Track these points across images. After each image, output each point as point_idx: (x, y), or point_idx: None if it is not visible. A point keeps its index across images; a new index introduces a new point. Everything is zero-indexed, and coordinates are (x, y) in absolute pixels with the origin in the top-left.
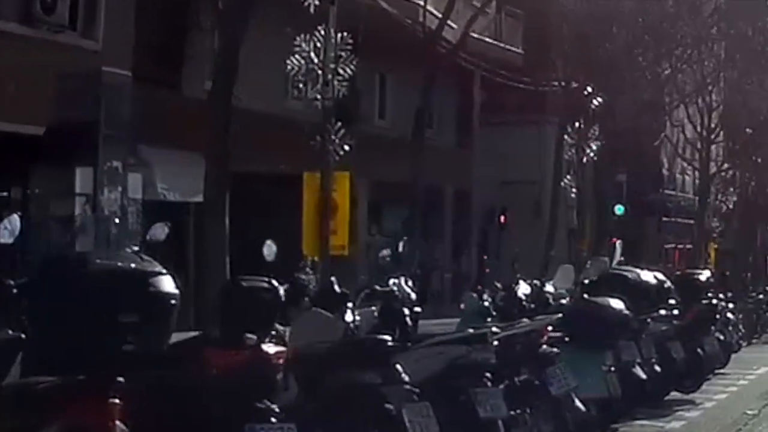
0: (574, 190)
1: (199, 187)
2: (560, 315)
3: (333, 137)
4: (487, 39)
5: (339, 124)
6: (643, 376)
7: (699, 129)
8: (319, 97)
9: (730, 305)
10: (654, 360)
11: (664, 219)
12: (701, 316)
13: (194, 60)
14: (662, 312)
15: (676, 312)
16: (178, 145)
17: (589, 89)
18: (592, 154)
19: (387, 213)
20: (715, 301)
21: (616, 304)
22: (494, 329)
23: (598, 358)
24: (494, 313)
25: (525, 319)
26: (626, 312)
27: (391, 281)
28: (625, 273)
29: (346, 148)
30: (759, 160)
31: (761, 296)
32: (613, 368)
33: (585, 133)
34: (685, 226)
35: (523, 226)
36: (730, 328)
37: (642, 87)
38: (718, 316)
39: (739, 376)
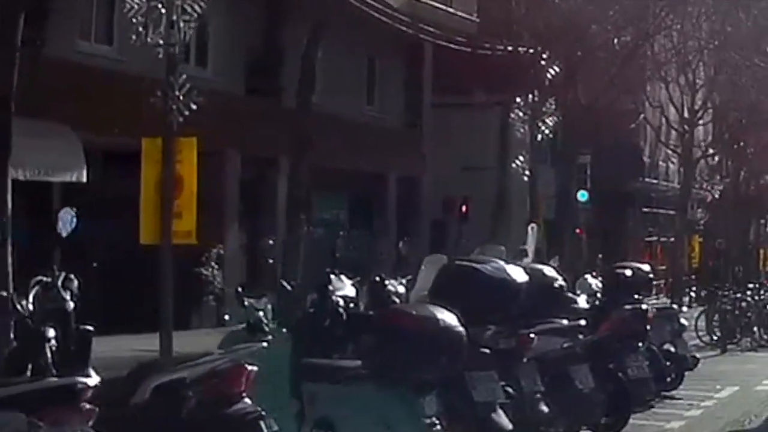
0: (527, 173)
1: None
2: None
3: (177, 93)
4: (437, 5)
5: (184, 77)
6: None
7: (680, 110)
8: (161, 42)
9: (686, 309)
10: (540, 395)
11: (645, 210)
12: (623, 327)
13: None
14: (561, 323)
15: (583, 322)
16: None
17: (545, 57)
18: (547, 131)
19: (319, 201)
20: (645, 306)
21: (443, 315)
22: None
23: (411, 405)
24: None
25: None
26: (456, 328)
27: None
28: (479, 266)
29: (193, 107)
30: (750, 150)
31: (739, 295)
32: (438, 420)
33: (539, 108)
34: (670, 218)
35: (488, 217)
36: (686, 337)
37: (608, 56)
38: (649, 327)
39: (691, 402)
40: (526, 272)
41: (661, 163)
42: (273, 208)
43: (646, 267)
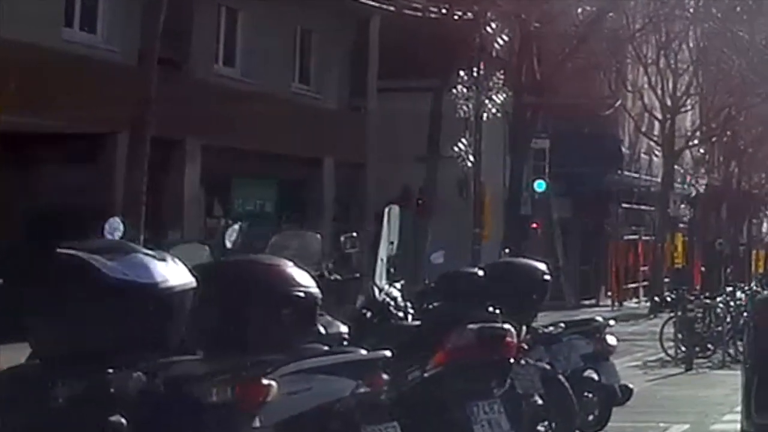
0: (470, 158)
1: None
2: None
3: None
4: None
5: None
6: None
7: (661, 96)
8: None
9: (613, 322)
10: None
11: (626, 206)
12: (465, 358)
13: None
14: (346, 354)
15: (388, 353)
16: None
17: (492, 24)
18: (495, 111)
19: (240, 189)
20: (507, 326)
21: None
22: None
23: None
24: None
25: None
26: None
27: None
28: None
29: None
30: (741, 143)
31: (708, 301)
32: None
33: (486, 83)
34: (652, 215)
35: (450, 211)
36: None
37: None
38: (521, 360)
39: None
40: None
41: (643, 155)
42: (179, 197)
43: (540, 265)
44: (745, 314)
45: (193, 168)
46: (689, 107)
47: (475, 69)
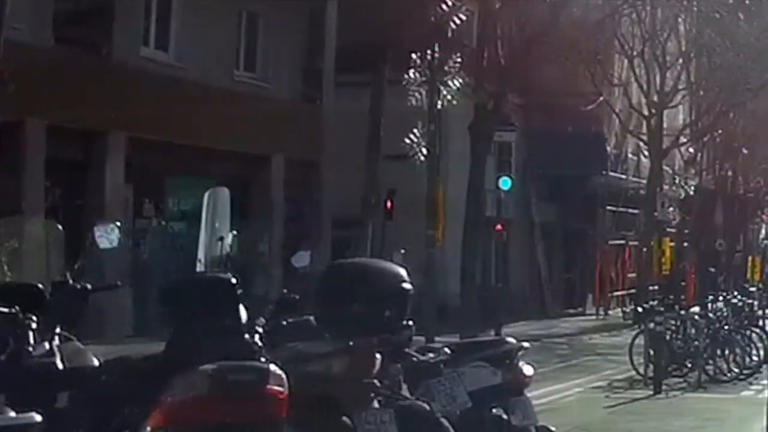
0: (424, 151)
1: None
2: None
3: None
4: None
5: None
6: None
7: (647, 90)
8: None
9: (532, 343)
10: None
11: (612, 209)
12: (190, 419)
13: None
14: None
15: None
16: None
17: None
18: (450, 98)
19: (175, 188)
20: (271, 366)
21: None
22: None
23: None
24: None
25: None
26: None
27: None
28: None
29: None
30: (736, 144)
31: (683, 312)
32: None
33: (440, 66)
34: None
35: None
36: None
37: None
38: (373, 401)
39: None
40: None
41: (630, 155)
42: (101, 196)
43: (397, 270)
44: (726, 327)
45: (116, 164)
46: (678, 103)
47: (429, 52)
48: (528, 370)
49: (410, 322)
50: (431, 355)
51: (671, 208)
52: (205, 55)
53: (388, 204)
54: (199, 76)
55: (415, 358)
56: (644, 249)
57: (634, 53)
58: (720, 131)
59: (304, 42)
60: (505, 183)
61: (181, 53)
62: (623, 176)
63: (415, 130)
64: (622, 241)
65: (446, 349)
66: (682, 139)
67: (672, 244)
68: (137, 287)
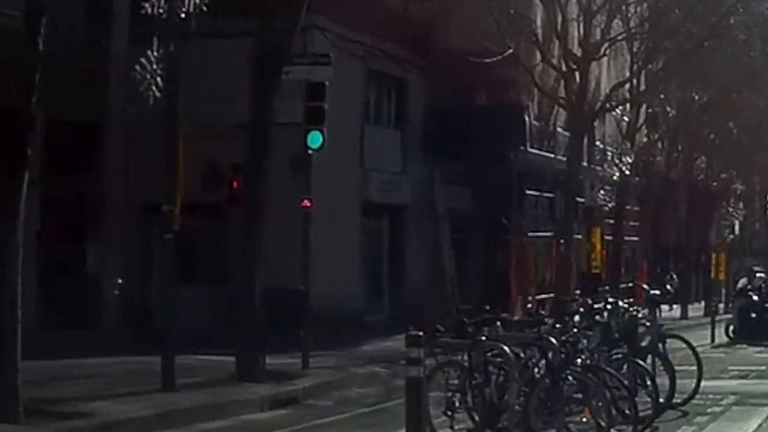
0: (155, 87)
1: None
2: None
3: None
4: None
5: None
6: None
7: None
8: None
9: None
10: None
11: (533, 194)
12: None
13: None
14: None
15: None
16: None
17: None
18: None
19: None
20: None
21: None
22: None
23: None
24: None
25: None
26: None
27: None
28: None
29: None
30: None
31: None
32: None
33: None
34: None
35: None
36: None
37: None
38: None
39: None
40: None
41: (560, 130)
42: None
43: None
44: (581, 359)
45: None
46: (604, 54)
47: None
48: None
49: None
50: None
51: (601, 192)
52: None
53: (234, 184)
54: None
55: None
56: (562, 242)
57: None
58: (662, 96)
59: None
60: (314, 139)
61: None
62: (550, 154)
63: (142, 60)
64: (549, 233)
65: None
66: (611, 102)
67: (610, 237)
68: None
